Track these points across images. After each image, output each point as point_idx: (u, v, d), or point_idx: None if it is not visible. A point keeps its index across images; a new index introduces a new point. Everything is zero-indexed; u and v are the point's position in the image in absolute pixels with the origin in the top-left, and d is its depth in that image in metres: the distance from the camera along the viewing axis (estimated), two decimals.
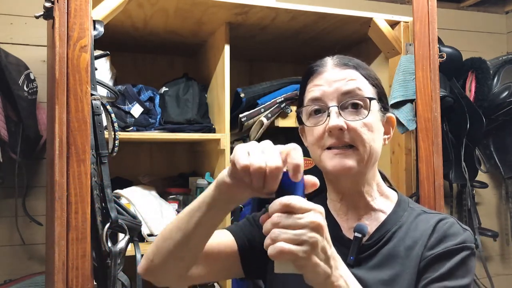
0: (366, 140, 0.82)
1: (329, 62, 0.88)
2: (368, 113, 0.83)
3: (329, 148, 0.83)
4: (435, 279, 0.77)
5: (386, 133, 0.90)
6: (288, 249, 0.58)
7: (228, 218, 1.40)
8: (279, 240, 0.59)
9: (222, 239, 0.90)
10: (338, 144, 0.82)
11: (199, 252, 0.80)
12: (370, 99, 0.84)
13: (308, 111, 0.87)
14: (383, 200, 0.90)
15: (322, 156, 0.84)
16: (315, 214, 0.61)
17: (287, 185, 0.62)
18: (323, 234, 0.61)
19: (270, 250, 0.59)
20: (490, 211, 2.40)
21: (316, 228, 0.60)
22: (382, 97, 0.88)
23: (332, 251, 0.64)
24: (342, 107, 0.83)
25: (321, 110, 0.85)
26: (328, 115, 0.82)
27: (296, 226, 0.59)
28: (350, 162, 0.81)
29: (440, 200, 1.23)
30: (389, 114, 0.90)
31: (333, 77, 0.85)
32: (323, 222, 0.61)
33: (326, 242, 0.62)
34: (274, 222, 0.60)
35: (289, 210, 0.60)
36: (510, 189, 2.32)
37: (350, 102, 0.83)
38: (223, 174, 0.67)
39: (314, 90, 0.86)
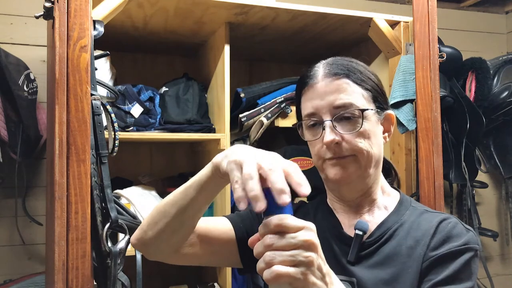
0: (364, 148, 0.83)
1: (320, 72, 0.87)
2: (362, 122, 0.83)
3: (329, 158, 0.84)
4: (439, 282, 0.76)
5: (386, 130, 0.90)
6: (285, 272, 0.56)
7: None
8: (274, 263, 0.57)
9: (219, 225, 0.91)
10: (336, 156, 0.83)
11: (191, 227, 0.82)
12: (363, 110, 0.83)
13: (305, 125, 0.88)
14: (385, 199, 0.90)
15: (324, 166, 0.85)
16: (308, 232, 0.59)
17: (274, 203, 0.58)
18: (317, 252, 0.60)
19: (266, 275, 0.57)
20: (490, 211, 2.40)
21: (310, 246, 0.59)
22: (378, 98, 0.88)
23: (326, 267, 0.63)
24: (336, 120, 0.83)
25: (317, 123, 0.86)
26: (323, 129, 0.83)
27: (290, 247, 0.58)
28: (350, 169, 0.83)
29: (440, 200, 1.23)
30: (387, 112, 0.90)
31: (325, 89, 0.84)
32: (316, 240, 0.60)
33: (320, 259, 0.61)
34: (266, 244, 0.58)
35: (281, 230, 0.58)
36: (510, 189, 2.31)
37: (344, 115, 0.83)
38: (218, 160, 0.67)
39: (308, 105, 0.87)
